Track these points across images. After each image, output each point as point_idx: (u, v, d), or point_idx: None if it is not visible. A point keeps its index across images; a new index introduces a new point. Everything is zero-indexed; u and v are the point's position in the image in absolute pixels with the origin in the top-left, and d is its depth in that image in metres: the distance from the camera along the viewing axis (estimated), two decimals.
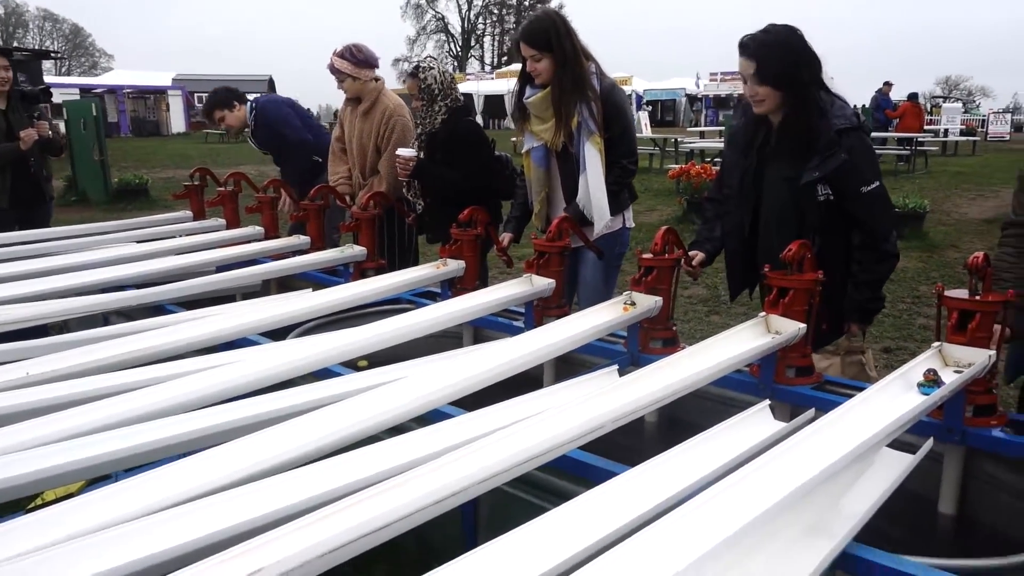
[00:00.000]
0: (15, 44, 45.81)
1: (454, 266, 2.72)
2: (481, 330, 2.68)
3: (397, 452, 1.36)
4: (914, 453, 1.79)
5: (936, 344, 1.66)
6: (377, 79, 3.86)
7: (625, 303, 2.15)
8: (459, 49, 56.72)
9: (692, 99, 36.69)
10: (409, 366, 1.96)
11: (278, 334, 2.32)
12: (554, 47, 2.69)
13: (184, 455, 1.37)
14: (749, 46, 2.15)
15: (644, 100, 33.59)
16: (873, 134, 15.59)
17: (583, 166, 2.76)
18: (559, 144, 2.83)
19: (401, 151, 3.40)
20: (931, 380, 1.51)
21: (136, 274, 2.88)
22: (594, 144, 2.74)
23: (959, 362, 1.62)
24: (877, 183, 2.17)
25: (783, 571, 1.05)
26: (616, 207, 2.84)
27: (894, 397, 1.49)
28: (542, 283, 2.42)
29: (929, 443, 1.48)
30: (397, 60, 54.22)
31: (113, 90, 31.26)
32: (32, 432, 1.46)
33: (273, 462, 1.33)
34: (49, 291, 2.63)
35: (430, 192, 3.50)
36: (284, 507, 1.17)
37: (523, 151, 3.02)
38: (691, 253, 2.47)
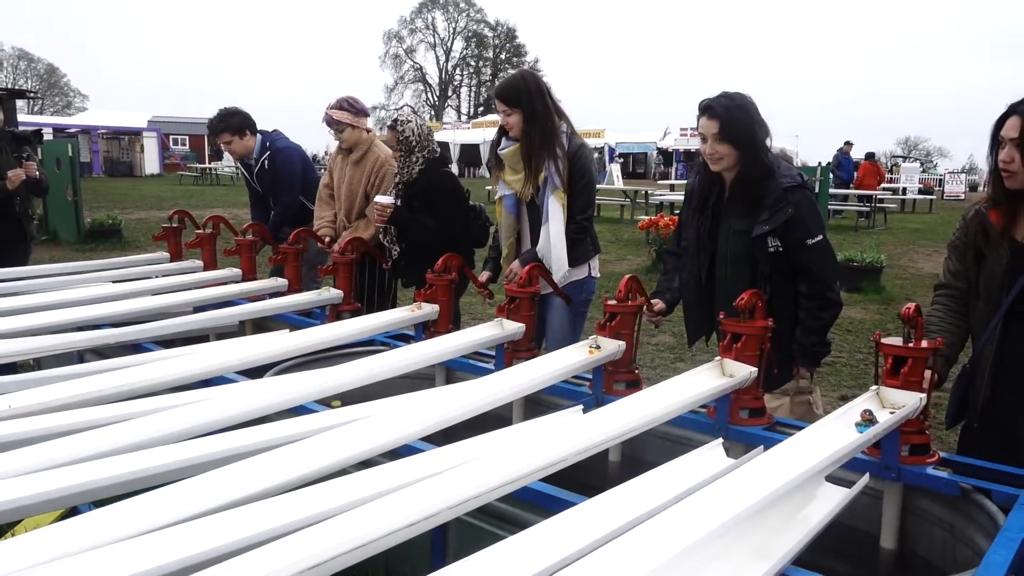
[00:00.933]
0: None
1: (428, 310, 2.82)
2: (453, 371, 2.77)
3: (371, 482, 1.44)
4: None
5: (874, 387, 1.80)
6: (369, 130, 4.02)
7: (591, 346, 2.27)
8: (436, 99, 57.85)
9: (661, 152, 37.72)
10: (381, 404, 2.04)
11: (254, 373, 2.38)
12: (523, 104, 2.87)
13: (160, 486, 1.43)
14: (713, 108, 2.35)
15: (616, 153, 34.50)
16: (834, 191, 16.20)
17: (546, 218, 2.94)
18: (527, 195, 2.99)
19: (379, 198, 3.52)
20: (867, 419, 1.64)
21: (113, 313, 2.92)
22: (558, 199, 2.91)
23: (894, 404, 1.75)
24: (821, 236, 2.35)
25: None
26: (578, 258, 3.00)
27: (833, 434, 1.61)
28: (513, 327, 2.53)
29: (865, 478, 1.59)
30: (374, 108, 55.25)
31: (87, 130, 31.20)
32: (10, 463, 1.51)
33: (248, 492, 1.39)
34: (25, 328, 2.67)
35: (405, 238, 3.62)
36: (261, 532, 1.24)
37: (496, 198, 3.17)
38: (652, 301, 2.60)
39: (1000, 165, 1.98)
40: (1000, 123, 1.99)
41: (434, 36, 56.83)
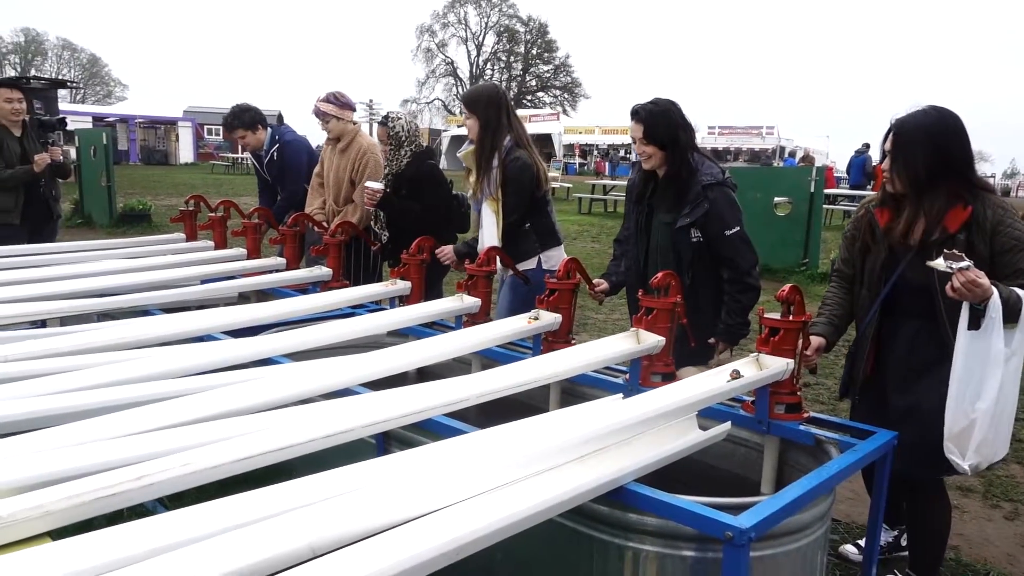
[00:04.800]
0: (34, 72, 47.12)
1: (402, 285, 3.17)
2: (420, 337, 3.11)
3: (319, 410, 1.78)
4: (744, 445, 2.23)
5: (753, 354, 2.09)
6: (354, 122, 4.37)
7: (531, 317, 2.59)
8: None
9: None
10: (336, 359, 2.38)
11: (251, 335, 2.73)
12: (479, 113, 3.20)
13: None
14: (639, 113, 2.65)
15: None
16: (851, 192, 16.21)
17: (481, 223, 3.32)
18: (478, 194, 3.34)
19: (369, 183, 3.87)
20: (734, 376, 1.94)
21: (127, 284, 3.30)
22: (489, 205, 3.28)
23: (767, 367, 2.04)
24: (738, 228, 2.63)
25: (570, 482, 1.46)
26: (524, 253, 3.29)
27: (704, 384, 1.91)
28: (471, 301, 2.87)
29: (726, 425, 1.88)
30: (406, 101, 55.88)
31: (125, 119, 32.16)
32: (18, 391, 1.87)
33: (215, 412, 1.74)
34: (50, 294, 3.06)
35: (393, 223, 3.97)
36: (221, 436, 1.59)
37: (469, 195, 3.52)
38: (596, 281, 2.92)
39: (884, 173, 2.24)
40: (886, 137, 2.25)
41: (466, 31, 57.22)
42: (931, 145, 2.12)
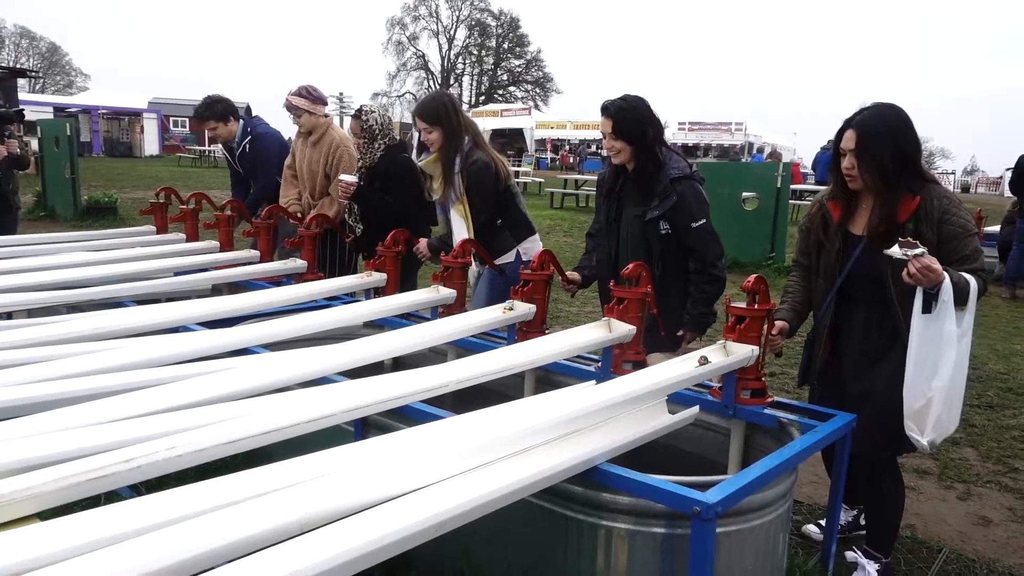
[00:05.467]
0: None
1: (377, 277, 3.20)
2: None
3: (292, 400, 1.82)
4: (711, 429, 2.32)
5: (721, 341, 2.17)
6: (326, 116, 4.37)
7: (505, 308, 2.64)
8: (438, 86, 57.91)
9: None
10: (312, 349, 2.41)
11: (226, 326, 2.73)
12: (443, 124, 3.26)
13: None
14: (609, 109, 2.71)
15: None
16: (816, 188, 16.54)
17: (451, 229, 3.38)
18: (444, 200, 3.40)
19: (343, 176, 3.89)
20: (702, 363, 2.02)
21: (97, 276, 3.27)
22: (457, 211, 3.33)
23: (735, 354, 2.13)
24: (704, 220, 2.72)
25: (544, 462, 1.52)
26: (500, 249, 3.35)
27: (672, 369, 1.99)
28: (446, 292, 2.91)
29: (694, 409, 1.95)
30: (376, 94, 55.40)
31: (88, 110, 31.40)
32: None
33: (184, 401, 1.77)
34: (16, 286, 3.02)
35: (367, 217, 3.99)
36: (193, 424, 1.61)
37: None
38: (568, 274, 2.98)
39: (844, 172, 2.31)
40: (839, 136, 2.33)
41: (437, 24, 56.85)
42: (894, 141, 2.20)
